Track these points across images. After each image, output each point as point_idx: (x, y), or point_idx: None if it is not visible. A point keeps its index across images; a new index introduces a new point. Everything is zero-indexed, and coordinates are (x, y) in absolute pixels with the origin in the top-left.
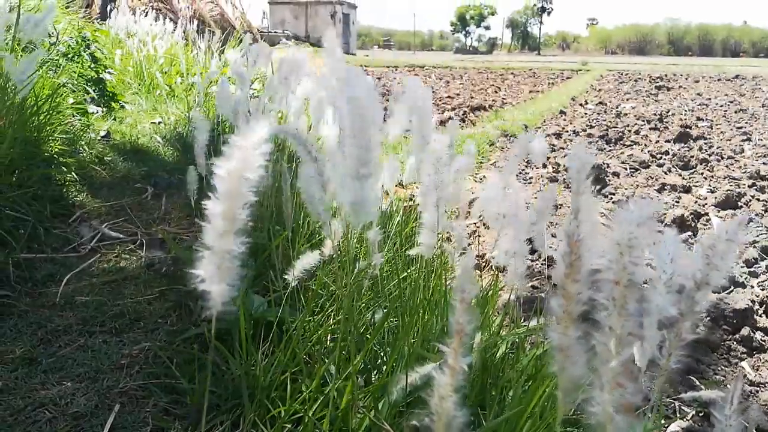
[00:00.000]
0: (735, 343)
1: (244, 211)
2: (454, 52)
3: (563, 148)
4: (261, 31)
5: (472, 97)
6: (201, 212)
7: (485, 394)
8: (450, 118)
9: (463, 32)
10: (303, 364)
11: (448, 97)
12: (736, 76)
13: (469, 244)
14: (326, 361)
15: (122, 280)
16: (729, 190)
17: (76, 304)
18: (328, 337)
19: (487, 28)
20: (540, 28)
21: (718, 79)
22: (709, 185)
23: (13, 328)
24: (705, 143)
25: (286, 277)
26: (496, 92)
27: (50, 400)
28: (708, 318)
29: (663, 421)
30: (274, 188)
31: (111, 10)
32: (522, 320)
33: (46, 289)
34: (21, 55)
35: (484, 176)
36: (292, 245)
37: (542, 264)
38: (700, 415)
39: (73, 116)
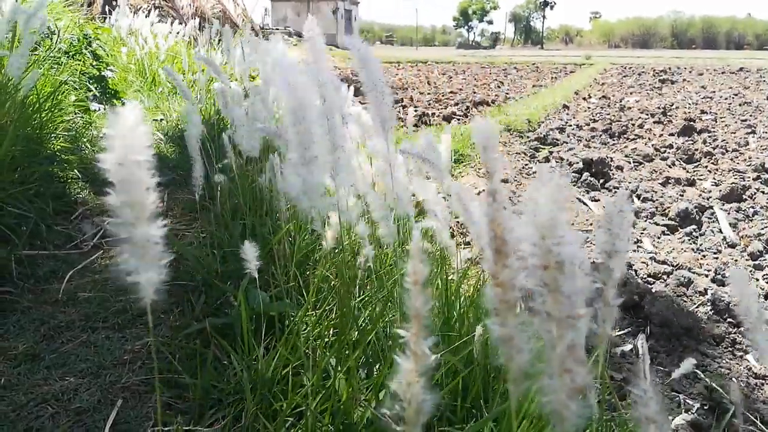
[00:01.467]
0: (740, 336)
1: (149, 195)
2: (457, 47)
3: (566, 143)
4: (263, 28)
5: (474, 92)
6: (204, 207)
7: (488, 387)
8: (453, 113)
9: (466, 27)
10: (305, 357)
11: (451, 92)
12: (741, 69)
13: (471, 240)
14: (327, 354)
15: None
16: (734, 182)
17: (78, 301)
18: (330, 332)
19: (490, 22)
20: (543, 22)
21: (722, 72)
22: (714, 178)
23: (16, 325)
24: (709, 136)
25: (247, 270)
26: (498, 87)
27: (53, 395)
28: (712, 310)
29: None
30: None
31: (112, 9)
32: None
33: (49, 286)
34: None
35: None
36: (293, 240)
37: None
38: (705, 408)
39: (75, 114)
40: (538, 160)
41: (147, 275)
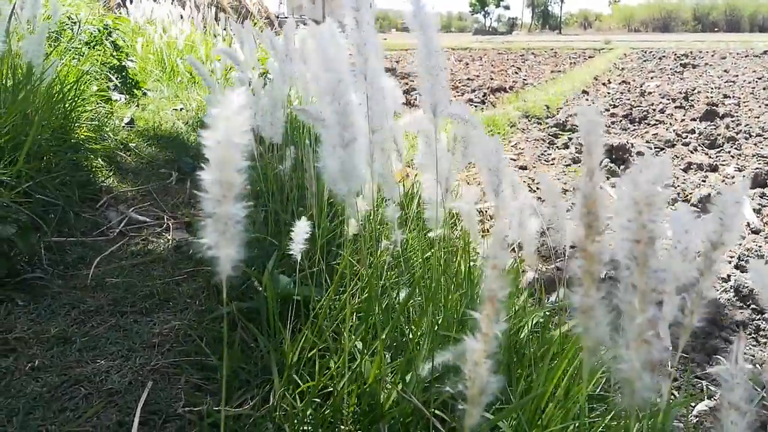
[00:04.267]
0: (765, 322)
1: (239, 176)
2: (473, 33)
3: None
4: (278, 17)
5: (492, 79)
6: None
7: (512, 372)
8: (470, 100)
9: (482, 13)
10: (330, 340)
11: (468, 78)
12: (765, 52)
13: (490, 226)
14: (353, 337)
15: (150, 262)
16: (758, 168)
17: (106, 286)
18: (354, 316)
19: (507, 8)
20: (561, 7)
21: (746, 56)
22: (737, 164)
23: (47, 309)
24: (732, 121)
25: (290, 252)
26: (516, 73)
27: (85, 377)
28: (735, 297)
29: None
30: (297, 170)
31: None
32: (547, 300)
33: (78, 272)
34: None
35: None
36: (317, 225)
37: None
38: None
39: (98, 104)
40: (557, 147)
41: (226, 251)
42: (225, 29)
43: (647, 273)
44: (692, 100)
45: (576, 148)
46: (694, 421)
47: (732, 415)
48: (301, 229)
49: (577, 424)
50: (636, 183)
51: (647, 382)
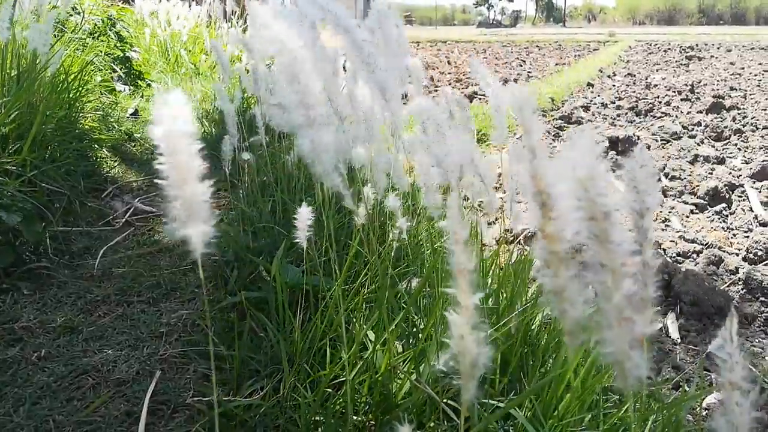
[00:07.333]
0: None
1: (195, 159)
2: (477, 26)
3: (591, 121)
4: None
5: (496, 72)
6: (233, 185)
7: (526, 362)
8: (474, 93)
9: (486, 5)
10: (340, 329)
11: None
12: None
13: (497, 218)
14: (363, 327)
15: (157, 252)
16: (764, 160)
17: (113, 276)
18: (364, 306)
19: (511, 0)
20: (565, 0)
21: (752, 48)
22: (744, 156)
23: (54, 298)
24: (739, 113)
25: (297, 240)
26: (520, 66)
27: (92, 367)
28: (744, 289)
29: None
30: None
31: None
32: None
33: (84, 261)
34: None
35: None
36: (324, 214)
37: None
38: None
39: (102, 94)
40: (563, 139)
41: (197, 228)
42: (229, 22)
43: (611, 249)
44: (698, 93)
45: None
46: (704, 413)
47: (735, 395)
48: (304, 216)
49: (592, 415)
50: (574, 160)
51: (636, 360)
